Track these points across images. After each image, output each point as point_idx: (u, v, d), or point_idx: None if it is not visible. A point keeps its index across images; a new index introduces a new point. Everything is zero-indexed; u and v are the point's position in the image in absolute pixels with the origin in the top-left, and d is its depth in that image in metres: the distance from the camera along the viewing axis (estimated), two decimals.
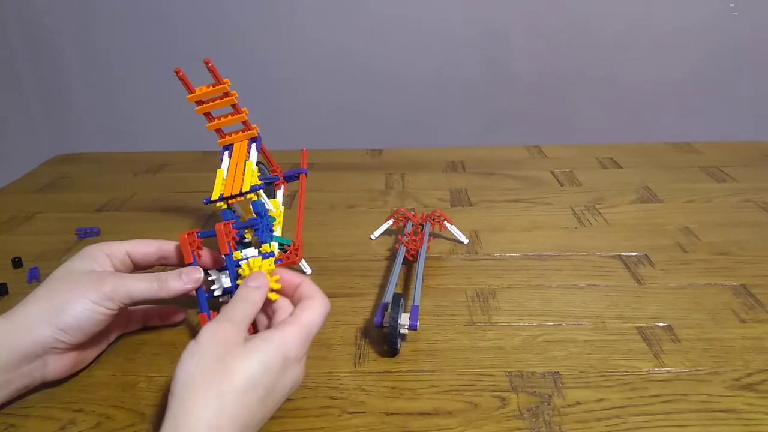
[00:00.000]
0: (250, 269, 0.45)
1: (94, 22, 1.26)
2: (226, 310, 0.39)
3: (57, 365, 0.42)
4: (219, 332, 0.36)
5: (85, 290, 0.41)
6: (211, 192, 0.53)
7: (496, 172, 0.88)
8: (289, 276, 0.44)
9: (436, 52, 1.28)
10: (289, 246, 0.53)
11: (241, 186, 0.52)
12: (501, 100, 1.32)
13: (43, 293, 0.42)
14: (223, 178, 0.55)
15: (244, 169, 0.54)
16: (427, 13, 1.24)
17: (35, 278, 0.59)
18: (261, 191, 0.54)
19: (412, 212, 0.68)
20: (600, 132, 1.32)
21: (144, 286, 0.43)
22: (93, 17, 1.26)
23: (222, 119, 0.57)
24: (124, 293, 0.42)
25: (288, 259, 0.52)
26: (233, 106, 0.57)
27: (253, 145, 0.58)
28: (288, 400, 0.43)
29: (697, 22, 1.24)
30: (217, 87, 0.55)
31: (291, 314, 0.40)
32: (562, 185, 0.82)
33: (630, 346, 0.48)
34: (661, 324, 0.51)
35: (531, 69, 1.30)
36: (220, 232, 0.46)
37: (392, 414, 0.41)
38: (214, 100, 0.56)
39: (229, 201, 0.52)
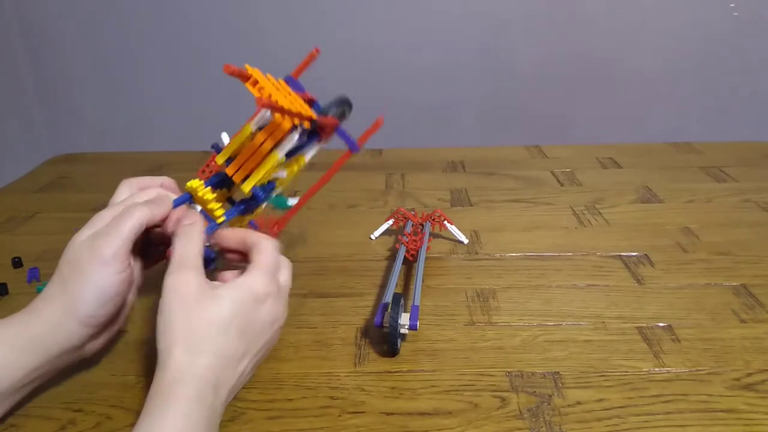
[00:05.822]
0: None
1: (94, 22, 1.26)
2: (174, 256, 0.41)
3: (93, 346, 0.43)
4: (169, 280, 0.39)
5: (86, 267, 0.40)
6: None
7: (496, 172, 0.88)
8: (236, 235, 0.44)
9: (437, 52, 1.28)
10: (284, 209, 0.48)
11: (247, 176, 0.44)
12: (501, 100, 1.33)
13: (57, 288, 0.41)
14: (243, 141, 0.44)
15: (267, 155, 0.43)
16: (427, 13, 1.25)
17: (35, 278, 0.59)
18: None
19: (412, 212, 0.68)
20: (600, 132, 1.32)
21: (134, 220, 0.41)
22: (93, 17, 1.26)
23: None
24: (120, 243, 0.41)
25: (263, 227, 0.48)
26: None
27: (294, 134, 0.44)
28: (288, 399, 0.43)
29: (698, 22, 1.24)
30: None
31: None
32: (562, 185, 0.82)
33: (630, 346, 0.48)
34: (661, 324, 0.51)
35: (531, 70, 1.30)
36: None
37: (392, 414, 0.41)
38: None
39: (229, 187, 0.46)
